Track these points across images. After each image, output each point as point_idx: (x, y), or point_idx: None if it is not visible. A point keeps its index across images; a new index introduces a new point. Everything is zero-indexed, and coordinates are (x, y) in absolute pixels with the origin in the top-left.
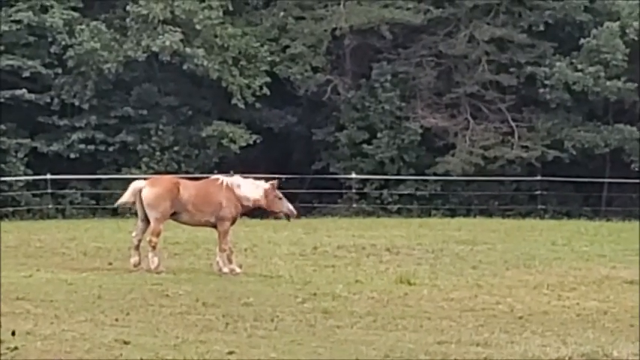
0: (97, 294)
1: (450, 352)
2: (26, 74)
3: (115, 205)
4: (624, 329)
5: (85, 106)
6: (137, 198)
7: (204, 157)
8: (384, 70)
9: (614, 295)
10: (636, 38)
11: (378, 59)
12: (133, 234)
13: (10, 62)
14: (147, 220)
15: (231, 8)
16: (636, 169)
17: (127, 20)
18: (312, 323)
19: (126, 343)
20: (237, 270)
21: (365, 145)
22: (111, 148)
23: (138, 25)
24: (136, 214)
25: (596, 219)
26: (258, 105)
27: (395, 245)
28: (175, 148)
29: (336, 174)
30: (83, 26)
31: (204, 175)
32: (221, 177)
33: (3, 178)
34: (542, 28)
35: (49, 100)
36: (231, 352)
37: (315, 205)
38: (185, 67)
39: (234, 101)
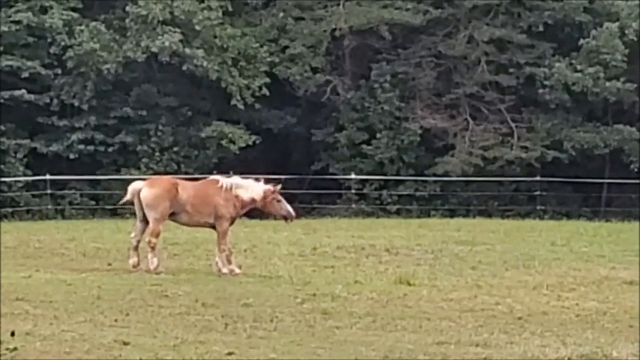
0: (97, 295)
1: (449, 353)
2: (25, 75)
3: (119, 203)
4: (623, 330)
5: (85, 107)
6: (136, 199)
7: (203, 157)
8: (383, 70)
9: (614, 295)
10: (635, 39)
11: (378, 60)
12: (132, 235)
13: (10, 63)
14: (145, 221)
15: (230, 9)
16: (635, 169)
17: (127, 21)
18: (312, 324)
19: (125, 343)
20: (237, 270)
21: (364, 146)
22: (110, 149)
23: (137, 25)
24: (134, 214)
25: (595, 219)
26: (257, 105)
27: (394, 246)
28: (175, 149)
29: (335, 174)
30: (82, 27)
31: (203, 176)
32: (220, 178)
33: (2, 179)
34: (541, 28)
35: (48, 101)
36: (230, 353)
37: (315, 205)
38: (184, 67)
39: (233, 102)
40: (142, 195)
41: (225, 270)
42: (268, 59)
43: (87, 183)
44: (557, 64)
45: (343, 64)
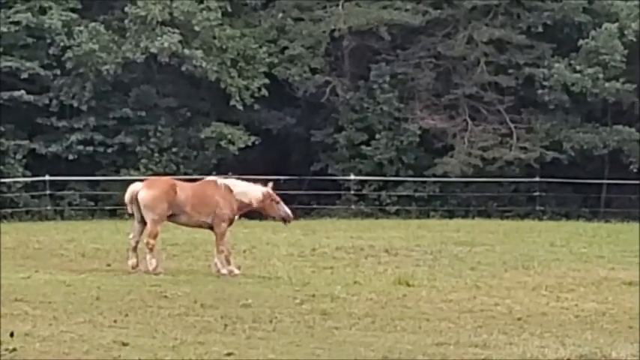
0: (96, 295)
1: (448, 354)
2: (25, 75)
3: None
4: (623, 330)
5: (84, 108)
6: (133, 200)
7: (202, 158)
8: (382, 71)
9: (613, 296)
10: (635, 39)
11: (377, 60)
12: (130, 236)
13: (9, 63)
14: (143, 222)
15: (229, 9)
16: (635, 170)
17: (126, 22)
18: (311, 324)
19: (124, 344)
20: (236, 271)
21: (363, 147)
22: (109, 150)
23: (136, 26)
24: (132, 215)
25: (594, 220)
26: (256, 106)
27: (393, 246)
28: (174, 150)
29: (334, 175)
30: (82, 27)
31: (202, 177)
32: (217, 178)
33: (1, 180)
34: (540, 29)
35: (47, 102)
36: (229, 354)
37: (314, 206)
38: (184, 68)
39: (232, 102)
40: (139, 196)
41: (224, 271)
42: (267, 60)
43: (86, 184)
44: (556, 65)
45: (342, 64)
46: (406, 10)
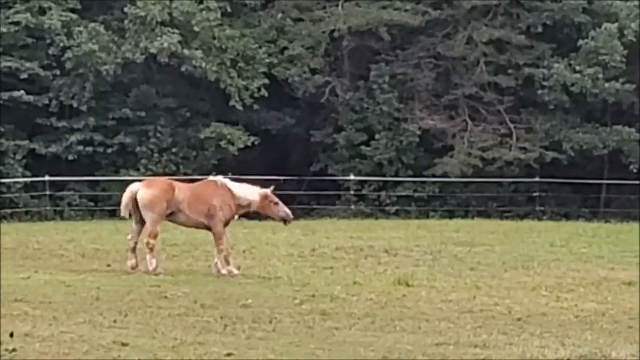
0: (96, 295)
1: (448, 354)
2: (24, 76)
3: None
4: (623, 330)
5: (83, 108)
6: (132, 200)
7: (202, 158)
8: (382, 71)
9: (613, 296)
10: (634, 39)
11: (377, 61)
12: (129, 237)
13: (9, 64)
14: (141, 222)
15: (229, 10)
16: (634, 170)
17: (125, 22)
18: (311, 325)
19: (124, 344)
20: (235, 271)
21: (363, 147)
22: (109, 150)
23: (136, 26)
24: (131, 216)
25: (594, 220)
26: (256, 107)
27: (393, 247)
28: (173, 150)
29: (334, 175)
30: (81, 28)
31: (201, 177)
32: (216, 179)
33: (1, 180)
34: (540, 29)
35: (47, 102)
36: (229, 354)
37: (314, 206)
38: (183, 68)
39: (232, 103)
40: (138, 196)
41: (223, 271)
42: (267, 60)
43: (86, 184)
44: (556, 65)
45: (342, 65)
46: (406, 11)
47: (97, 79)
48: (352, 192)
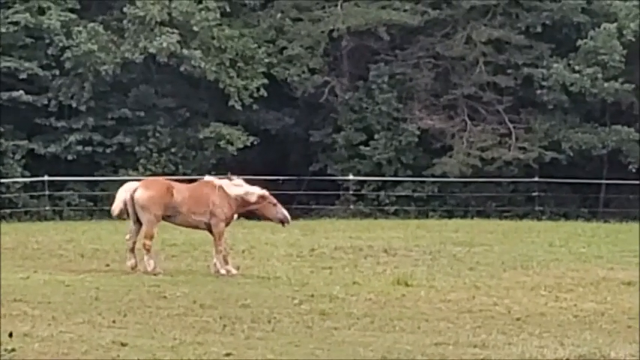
0: (95, 296)
1: (447, 354)
2: (23, 76)
3: (114, 215)
4: (622, 330)
5: (83, 108)
6: (127, 200)
7: (201, 158)
8: (381, 71)
9: (612, 296)
10: (633, 39)
11: (376, 60)
12: (127, 237)
13: (8, 64)
14: (139, 223)
15: (228, 10)
16: (634, 170)
17: (124, 22)
18: (310, 325)
19: (123, 344)
20: (234, 271)
21: (362, 147)
22: (108, 150)
23: (135, 26)
24: (118, 217)
25: (593, 220)
26: (255, 107)
27: (392, 247)
28: (173, 150)
29: (333, 175)
30: (80, 28)
31: (200, 177)
32: (214, 179)
33: (0, 180)
34: (539, 29)
35: (46, 102)
36: (228, 354)
37: (313, 206)
38: (182, 68)
39: (231, 103)
40: (136, 197)
41: (222, 271)
42: (266, 60)
43: (85, 184)
44: (555, 65)
45: (341, 65)
46: (405, 11)
47: (96, 79)
48: (351, 192)
